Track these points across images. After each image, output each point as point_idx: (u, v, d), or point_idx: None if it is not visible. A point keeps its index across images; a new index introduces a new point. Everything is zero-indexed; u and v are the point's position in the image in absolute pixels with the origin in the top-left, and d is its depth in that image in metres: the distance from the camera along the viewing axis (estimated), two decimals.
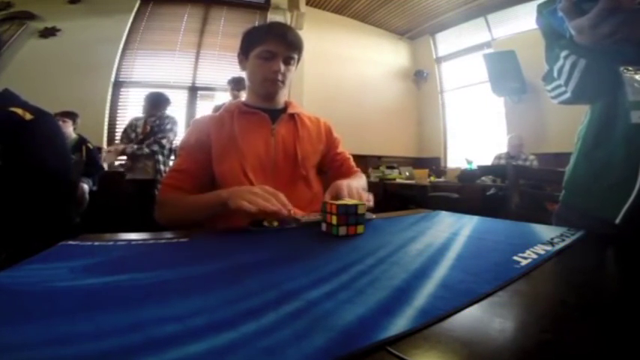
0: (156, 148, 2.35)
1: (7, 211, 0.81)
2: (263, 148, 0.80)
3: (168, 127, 2.49)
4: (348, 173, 0.94)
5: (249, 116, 0.83)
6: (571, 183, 0.71)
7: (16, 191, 0.83)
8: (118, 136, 3.23)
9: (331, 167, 0.94)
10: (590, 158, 0.64)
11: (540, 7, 0.69)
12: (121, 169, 2.50)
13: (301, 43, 0.83)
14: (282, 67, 0.80)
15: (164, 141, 2.37)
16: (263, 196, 0.57)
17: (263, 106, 0.85)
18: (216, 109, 2.14)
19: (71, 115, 2.42)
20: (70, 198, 0.99)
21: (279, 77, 0.80)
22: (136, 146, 2.34)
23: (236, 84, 2.46)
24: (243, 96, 0.92)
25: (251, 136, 0.81)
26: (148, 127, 2.42)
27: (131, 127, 2.45)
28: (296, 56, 0.83)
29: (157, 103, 2.47)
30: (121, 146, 2.36)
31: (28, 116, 0.88)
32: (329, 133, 0.94)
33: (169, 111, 2.58)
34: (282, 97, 0.89)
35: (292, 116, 0.88)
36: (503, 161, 3.08)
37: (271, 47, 0.79)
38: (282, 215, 0.56)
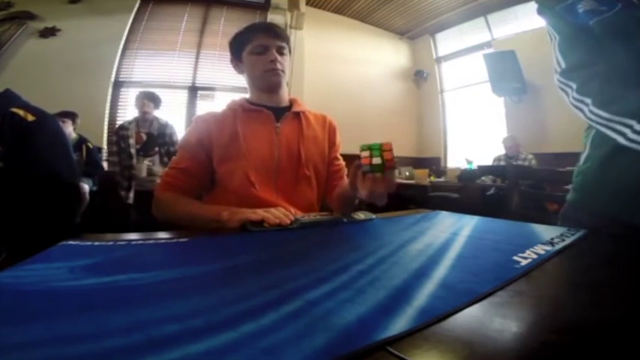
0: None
1: (8, 211, 0.81)
2: (266, 148, 0.79)
3: (174, 138, 2.24)
4: (340, 182, 0.88)
5: (252, 114, 0.82)
6: (585, 184, 0.69)
7: (17, 192, 0.83)
8: (114, 139, 3.13)
9: (327, 170, 0.89)
10: (614, 161, 0.61)
11: (547, 3, 0.67)
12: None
13: (287, 35, 0.86)
14: (278, 57, 0.81)
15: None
16: (264, 213, 0.60)
17: (267, 104, 0.84)
18: None
19: (70, 115, 2.36)
20: (74, 200, 0.98)
21: (278, 66, 0.81)
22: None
23: None
24: None
25: (254, 136, 0.79)
26: (144, 136, 2.17)
27: (122, 139, 2.16)
28: (286, 46, 0.84)
29: (158, 101, 2.28)
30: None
31: (29, 117, 0.88)
32: (333, 134, 0.91)
33: (158, 113, 2.33)
34: (285, 92, 0.88)
35: (297, 114, 0.86)
36: (502, 163, 3.08)
37: (262, 41, 0.80)
38: (285, 223, 0.58)
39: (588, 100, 0.57)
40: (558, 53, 0.65)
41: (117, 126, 2.36)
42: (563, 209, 0.73)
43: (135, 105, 2.27)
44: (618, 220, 0.59)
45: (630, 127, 0.50)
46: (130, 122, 2.22)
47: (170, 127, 2.28)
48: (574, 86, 0.60)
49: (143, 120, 2.22)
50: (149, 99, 2.23)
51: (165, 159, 2.22)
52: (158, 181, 0.79)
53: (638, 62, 0.57)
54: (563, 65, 0.63)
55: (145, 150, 2.18)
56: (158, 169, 2.19)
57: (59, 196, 0.92)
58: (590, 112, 0.57)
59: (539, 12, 0.69)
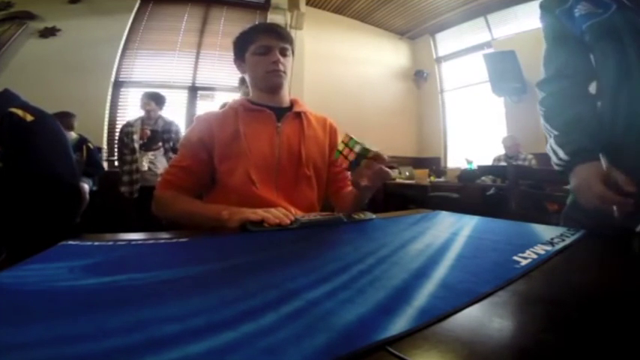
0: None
1: (8, 211, 0.81)
2: (267, 147, 0.79)
3: (180, 135, 2.36)
4: (344, 184, 0.88)
5: (254, 113, 0.82)
6: None
7: (17, 193, 0.83)
8: (118, 136, 3.20)
9: (330, 172, 0.89)
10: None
11: (549, 6, 0.69)
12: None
13: (290, 36, 0.86)
14: (280, 58, 0.81)
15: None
16: (264, 213, 0.60)
17: (268, 104, 0.84)
18: (223, 106, 2.05)
19: (67, 115, 2.33)
20: (74, 200, 0.98)
21: (280, 67, 0.81)
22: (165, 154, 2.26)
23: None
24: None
25: (255, 135, 0.79)
26: (148, 132, 2.28)
27: (127, 135, 2.27)
28: (289, 47, 0.84)
29: (160, 101, 2.38)
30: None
31: (28, 117, 0.88)
32: (334, 136, 0.91)
33: (164, 112, 2.43)
34: (287, 92, 0.88)
35: (298, 115, 0.86)
36: (502, 163, 3.08)
37: (265, 42, 0.80)
38: (285, 223, 0.58)
39: (542, 110, 0.72)
40: (542, 62, 0.73)
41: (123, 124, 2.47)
42: (565, 210, 0.74)
43: (140, 105, 2.38)
44: (608, 222, 0.59)
45: (551, 135, 0.70)
46: (136, 120, 2.34)
47: (175, 125, 2.41)
48: (540, 96, 0.73)
49: (148, 118, 2.33)
50: (150, 98, 2.34)
51: (171, 154, 2.30)
52: (159, 178, 0.79)
53: (625, 62, 0.59)
54: (542, 75, 0.73)
55: (147, 145, 2.27)
56: (160, 163, 2.27)
57: (60, 196, 0.92)
58: (543, 119, 0.72)
59: (541, 17, 0.72)
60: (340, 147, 0.64)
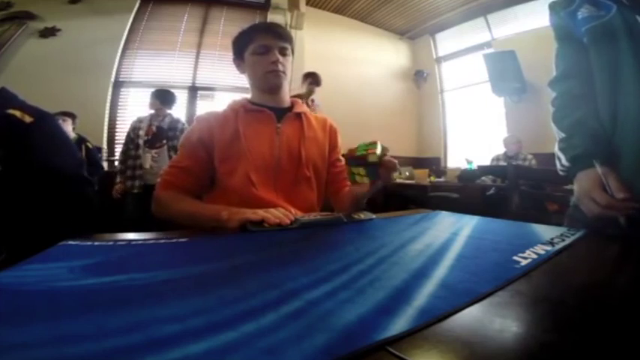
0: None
1: (11, 213, 0.80)
2: (267, 148, 0.79)
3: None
4: (344, 184, 0.88)
5: (254, 114, 0.82)
6: None
7: (20, 194, 0.82)
8: (119, 136, 3.15)
9: (329, 172, 0.90)
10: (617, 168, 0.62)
11: (556, 7, 0.70)
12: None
13: (290, 35, 0.85)
14: (280, 58, 0.81)
15: None
16: (264, 213, 0.60)
17: (268, 104, 0.84)
18: None
19: (71, 115, 2.40)
20: (84, 188, 0.97)
21: (279, 67, 0.81)
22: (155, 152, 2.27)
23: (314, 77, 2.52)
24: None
25: (255, 136, 0.79)
26: (154, 128, 2.29)
27: (133, 130, 2.31)
28: (289, 46, 0.84)
29: (165, 99, 2.39)
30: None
31: (27, 119, 0.87)
32: (334, 137, 0.92)
33: (173, 110, 2.45)
34: (287, 93, 0.88)
35: (298, 115, 0.86)
36: (501, 162, 3.08)
37: (263, 41, 0.80)
38: (285, 223, 0.58)
39: (552, 110, 0.73)
40: (553, 61, 0.75)
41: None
42: (568, 210, 0.74)
43: (148, 104, 2.42)
44: (615, 221, 0.60)
45: (558, 136, 0.71)
46: (145, 116, 2.38)
47: (182, 123, 2.42)
48: (552, 96, 0.74)
49: (156, 115, 2.36)
50: (155, 97, 2.36)
51: (172, 153, 2.30)
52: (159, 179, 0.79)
53: (618, 66, 0.61)
54: (554, 73, 0.74)
55: (151, 142, 2.27)
56: (163, 162, 2.26)
57: (65, 192, 0.91)
58: (552, 119, 0.73)
59: (549, 17, 0.75)
60: (355, 169, 0.65)
